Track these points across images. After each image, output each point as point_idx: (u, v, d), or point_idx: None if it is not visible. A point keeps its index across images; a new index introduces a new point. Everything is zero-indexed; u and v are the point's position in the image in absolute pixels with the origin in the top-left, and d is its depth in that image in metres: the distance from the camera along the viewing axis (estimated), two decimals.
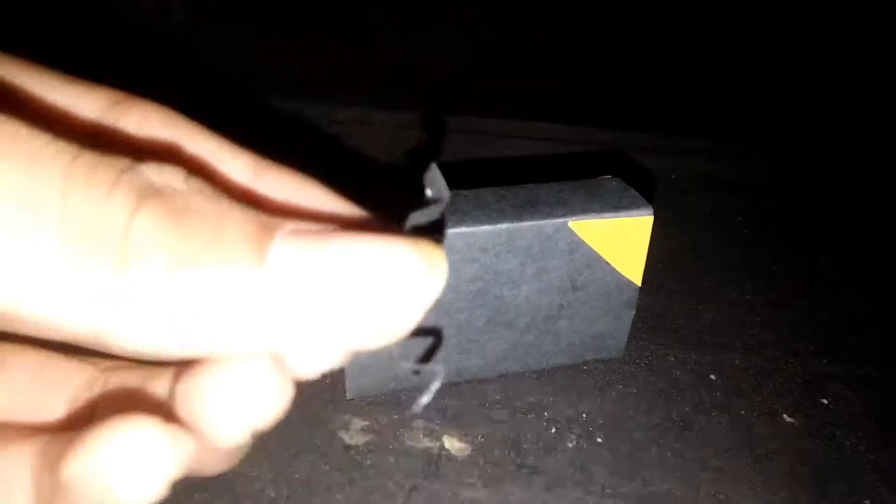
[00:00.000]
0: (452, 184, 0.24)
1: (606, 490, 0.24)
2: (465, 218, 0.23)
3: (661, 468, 0.25)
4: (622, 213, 0.24)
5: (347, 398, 0.26)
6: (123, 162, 0.12)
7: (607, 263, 0.25)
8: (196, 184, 0.13)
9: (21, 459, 0.14)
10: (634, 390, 0.28)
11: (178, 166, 0.13)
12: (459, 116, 0.49)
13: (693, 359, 0.29)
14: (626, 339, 0.28)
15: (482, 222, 0.23)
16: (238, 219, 0.12)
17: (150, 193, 0.11)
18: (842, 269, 0.36)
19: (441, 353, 0.25)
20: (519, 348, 0.26)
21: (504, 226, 0.23)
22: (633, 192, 0.25)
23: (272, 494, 0.23)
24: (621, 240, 0.25)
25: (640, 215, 0.24)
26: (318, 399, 0.26)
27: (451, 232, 0.23)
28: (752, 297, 0.34)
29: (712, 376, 0.28)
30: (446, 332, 0.25)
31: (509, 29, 0.61)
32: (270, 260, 0.12)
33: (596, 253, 0.25)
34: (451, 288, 0.24)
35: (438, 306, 0.24)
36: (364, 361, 0.25)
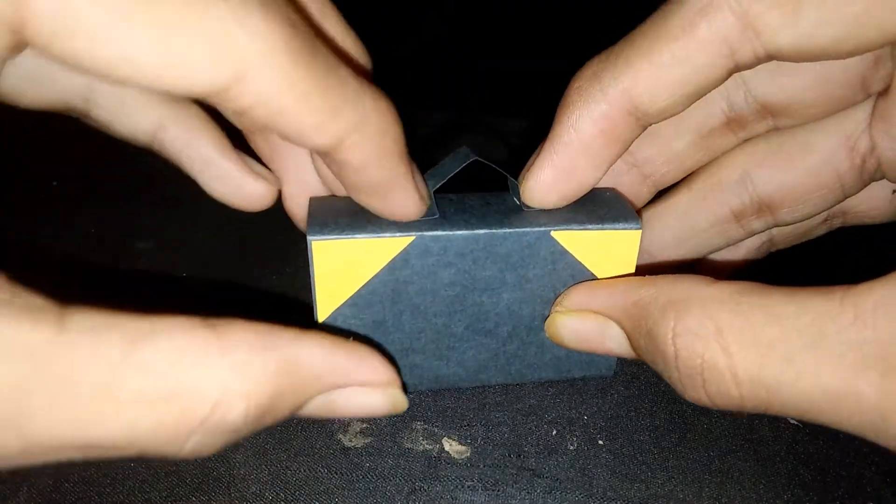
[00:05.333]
0: (445, 185, 0.24)
1: (608, 493, 0.24)
2: (444, 222, 0.23)
3: (663, 471, 0.24)
4: (608, 226, 0.24)
5: None
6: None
7: (593, 276, 0.24)
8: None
9: None
10: (636, 392, 0.27)
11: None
12: (457, 113, 0.48)
13: None
14: (616, 358, 0.27)
15: (460, 227, 0.23)
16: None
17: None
18: (845, 269, 0.36)
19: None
20: (501, 358, 0.26)
21: (482, 232, 0.23)
22: (625, 204, 0.25)
23: (269, 497, 0.23)
24: (608, 253, 0.24)
25: (628, 229, 0.24)
26: None
27: (428, 235, 0.22)
28: None
29: None
30: (423, 337, 0.25)
31: (509, 27, 0.61)
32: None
33: (581, 265, 0.24)
34: (428, 291, 0.24)
35: (415, 309, 0.24)
36: None
